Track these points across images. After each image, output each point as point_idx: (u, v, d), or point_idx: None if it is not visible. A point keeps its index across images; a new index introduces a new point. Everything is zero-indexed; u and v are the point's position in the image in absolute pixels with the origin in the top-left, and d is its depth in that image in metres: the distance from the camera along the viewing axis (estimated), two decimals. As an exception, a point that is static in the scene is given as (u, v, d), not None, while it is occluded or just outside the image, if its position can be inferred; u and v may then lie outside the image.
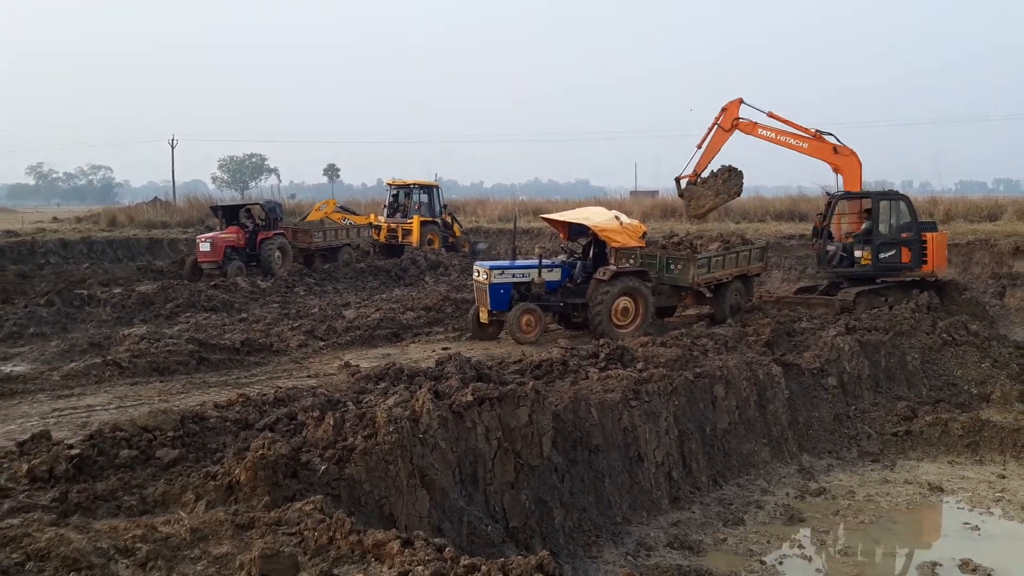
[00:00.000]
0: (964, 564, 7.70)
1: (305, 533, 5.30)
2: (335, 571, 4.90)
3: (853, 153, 17.93)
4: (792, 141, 17.81)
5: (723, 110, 17.16)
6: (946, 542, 8.49)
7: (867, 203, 18.57)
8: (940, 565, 7.78)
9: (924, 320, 15.16)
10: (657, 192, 56.87)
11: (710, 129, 17.24)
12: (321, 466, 6.52)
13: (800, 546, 8.34)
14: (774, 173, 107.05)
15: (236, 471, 6.22)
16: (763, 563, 7.92)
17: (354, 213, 33.98)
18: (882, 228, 18.05)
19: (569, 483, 8.30)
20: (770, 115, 17.58)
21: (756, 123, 17.26)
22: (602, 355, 11.61)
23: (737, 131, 17.47)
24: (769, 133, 17.62)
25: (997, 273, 23.27)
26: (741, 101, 17.17)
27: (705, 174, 18.26)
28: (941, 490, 9.80)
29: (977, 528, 8.72)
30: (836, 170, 18.31)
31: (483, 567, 4.62)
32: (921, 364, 13.64)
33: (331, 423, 7.24)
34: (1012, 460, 10.62)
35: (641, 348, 12.08)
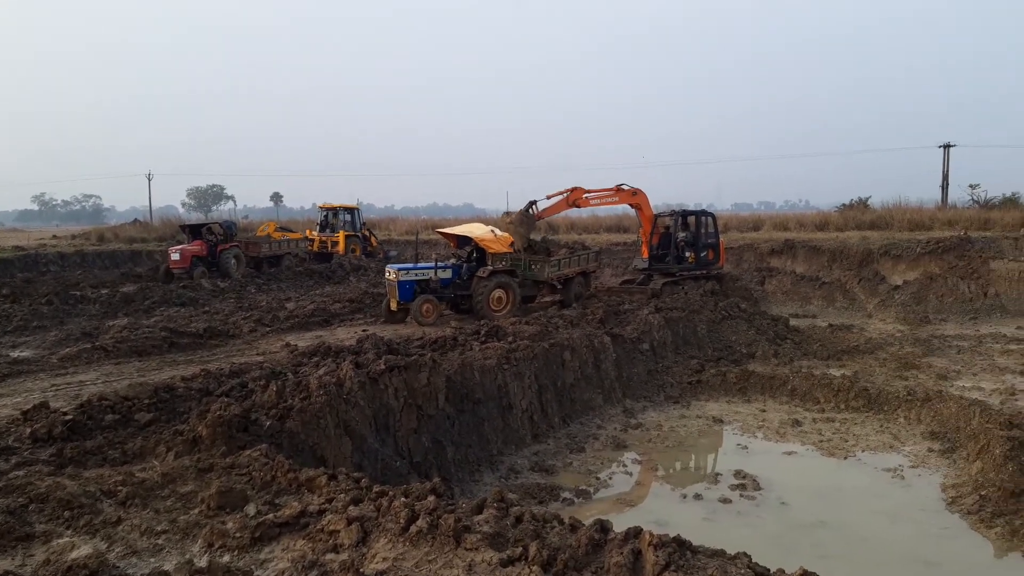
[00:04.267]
0: (737, 472, 8.01)
1: (253, 473, 5.11)
2: (277, 500, 4.75)
3: (641, 191, 18.53)
4: (608, 200, 18.45)
5: (571, 191, 17.40)
6: (725, 458, 8.80)
7: (667, 221, 19.23)
8: (721, 474, 8.08)
9: (709, 301, 15.73)
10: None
11: (560, 194, 17.39)
12: (267, 422, 6.30)
13: (624, 465, 8.53)
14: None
15: (199, 428, 5.94)
16: (598, 478, 8.06)
17: (291, 231, 32.98)
18: (702, 236, 18.76)
19: (458, 427, 8.26)
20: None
21: (588, 200, 17.73)
22: (482, 332, 11.59)
23: (576, 206, 17.96)
24: (597, 202, 18.17)
25: (759, 267, 24.24)
26: (583, 190, 17.48)
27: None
28: (721, 421, 10.16)
29: (746, 447, 9.09)
30: (635, 206, 18.84)
31: (390, 492, 4.55)
32: (707, 333, 14.15)
33: (274, 389, 7.00)
34: (770, 399, 11.11)
35: (511, 326, 12.11)
